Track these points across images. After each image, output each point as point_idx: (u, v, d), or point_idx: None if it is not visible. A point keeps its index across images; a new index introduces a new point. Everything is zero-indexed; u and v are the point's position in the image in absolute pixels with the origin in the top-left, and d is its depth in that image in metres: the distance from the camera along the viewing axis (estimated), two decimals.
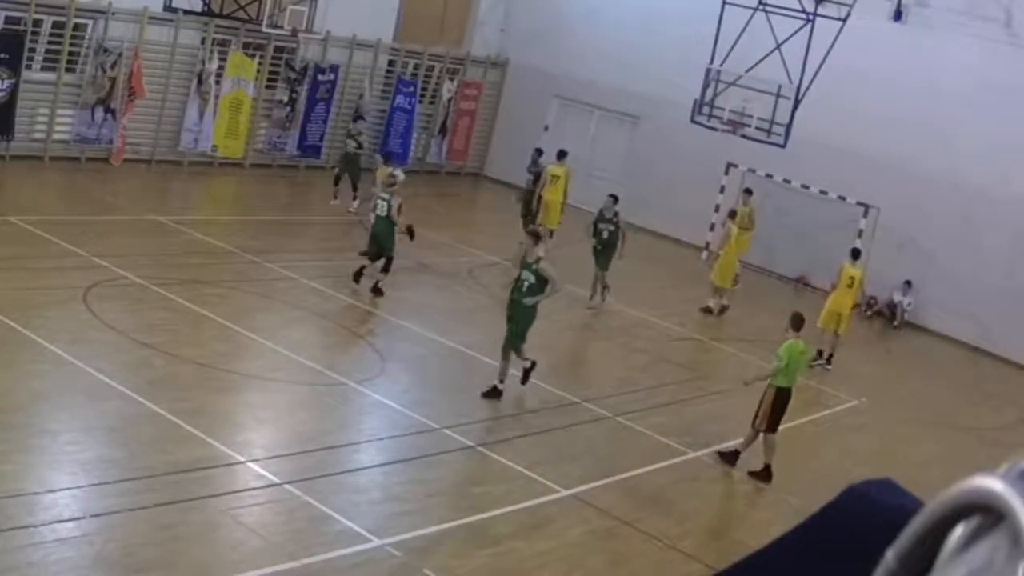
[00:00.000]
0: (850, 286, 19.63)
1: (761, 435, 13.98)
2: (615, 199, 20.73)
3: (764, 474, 14.00)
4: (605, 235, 20.40)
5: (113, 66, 22.88)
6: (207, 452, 11.53)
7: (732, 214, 21.87)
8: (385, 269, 18.09)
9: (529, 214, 22.63)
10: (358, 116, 26.39)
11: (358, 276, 18.13)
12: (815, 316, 23.54)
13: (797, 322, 14.16)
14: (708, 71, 23.19)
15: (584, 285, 20.71)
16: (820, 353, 19.42)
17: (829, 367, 19.54)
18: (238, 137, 25.40)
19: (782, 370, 13.75)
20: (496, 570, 10.52)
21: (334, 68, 26.69)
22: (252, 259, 18.83)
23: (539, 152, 24.63)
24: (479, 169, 30.78)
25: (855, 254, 20.43)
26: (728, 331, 20.72)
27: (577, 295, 20.93)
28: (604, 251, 20.32)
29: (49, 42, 22.44)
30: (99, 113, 23.05)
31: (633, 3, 28.01)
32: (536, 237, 15.21)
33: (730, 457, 14.20)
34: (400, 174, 19.56)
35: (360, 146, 24.93)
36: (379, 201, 18.29)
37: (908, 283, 24.26)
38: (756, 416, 13.98)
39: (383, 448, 12.89)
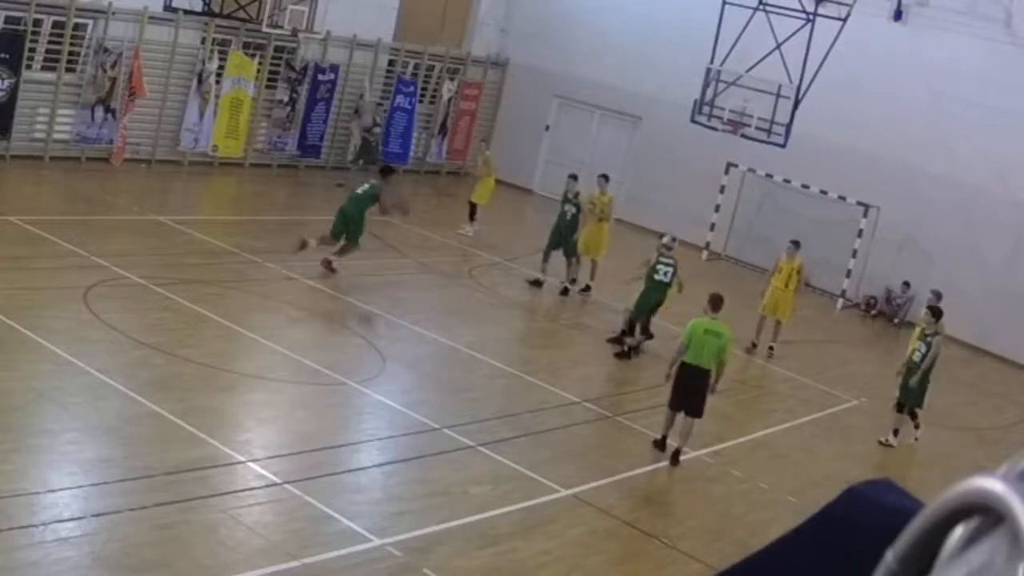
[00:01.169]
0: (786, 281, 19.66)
1: (683, 417, 13.92)
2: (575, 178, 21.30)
3: (663, 447, 14.02)
4: (568, 217, 20.74)
5: (113, 66, 22.88)
6: (207, 452, 11.53)
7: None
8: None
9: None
10: (366, 113, 26.86)
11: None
12: (813, 314, 23.61)
13: (714, 303, 14.18)
14: (708, 71, 23.20)
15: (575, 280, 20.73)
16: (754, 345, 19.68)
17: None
18: (238, 137, 25.40)
19: (688, 348, 13.73)
20: (496, 570, 10.52)
21: (334, 68, 26.70)
22: (252, 259, 18.83)
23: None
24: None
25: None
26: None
27: (576, 294, 20.93)
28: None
29: (49, 42, 22.44)
30: (99, 113, 23.05)
31: (633, 3, 28.01)
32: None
33: (658, 444, 14.15)
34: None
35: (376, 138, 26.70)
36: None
37: (907, 284, 24.26)
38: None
39: (383, 448, 12.90)
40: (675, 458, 13.95)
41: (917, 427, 16.60)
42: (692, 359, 13.75)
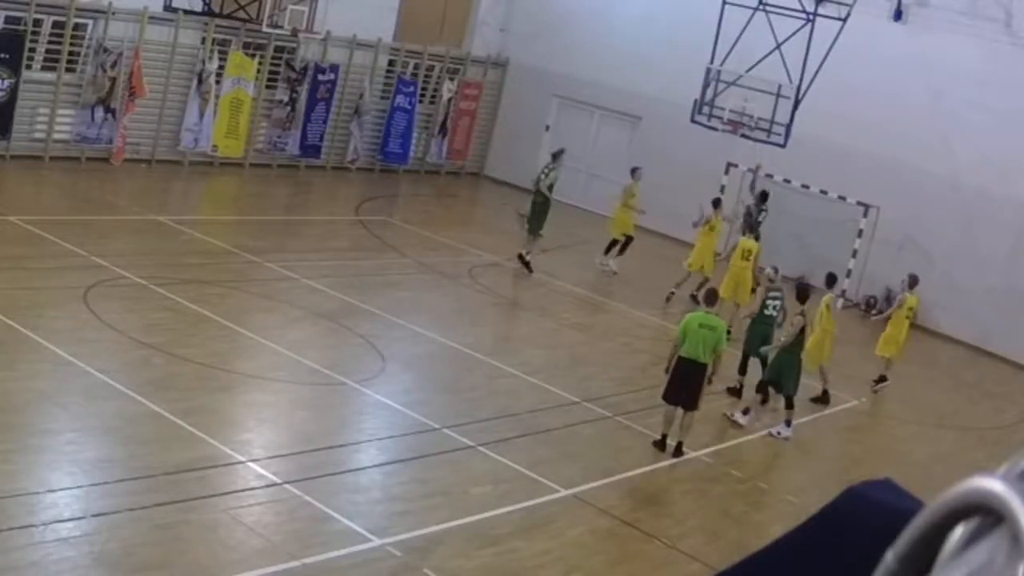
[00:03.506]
0: (746, 258, 20.09)
1: (681, 411, 14.07)
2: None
3: (663, 446, 14.13)
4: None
5: (113, 66, 22.87)
6: (207, 452, 11.53)
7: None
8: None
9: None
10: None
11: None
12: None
13: (708, 297, 14.68)
14: (708, 71, 23.19)
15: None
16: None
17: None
18: (238, 137, 25.40)
19: (684, 342, 13.94)
20: (496, 570, 10.52)
21: (334, 68, 26.69)
22: (252, 259, 18.83)
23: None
24: (479, 169, 30.77)
25: (753, 228, 21.21)
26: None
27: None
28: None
29: (49, 42, 22.44)
30: (99, 113, 23.04)
31: (633, 3, 28.00)
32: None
33: (658, 443, 14.22)
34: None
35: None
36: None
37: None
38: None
39: (383, 448, 12.90)
40: (678, 450, 14.12)
41: (788, 423, 15.60)
42: (688, 353, 13.92)
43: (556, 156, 22.14)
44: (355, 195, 25.95)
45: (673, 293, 21.40)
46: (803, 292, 16.08)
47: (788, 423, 15.63)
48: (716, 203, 22.39)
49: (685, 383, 13.94)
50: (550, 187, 21.60)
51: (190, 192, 24.63)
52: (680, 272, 21.60)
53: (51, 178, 22.18)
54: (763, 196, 22.75)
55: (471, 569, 10.43)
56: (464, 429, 13.55)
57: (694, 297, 20.60)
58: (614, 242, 22.70)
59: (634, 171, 23.27)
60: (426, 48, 28.59)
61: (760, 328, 16.80)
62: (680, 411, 14.07)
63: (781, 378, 15.61)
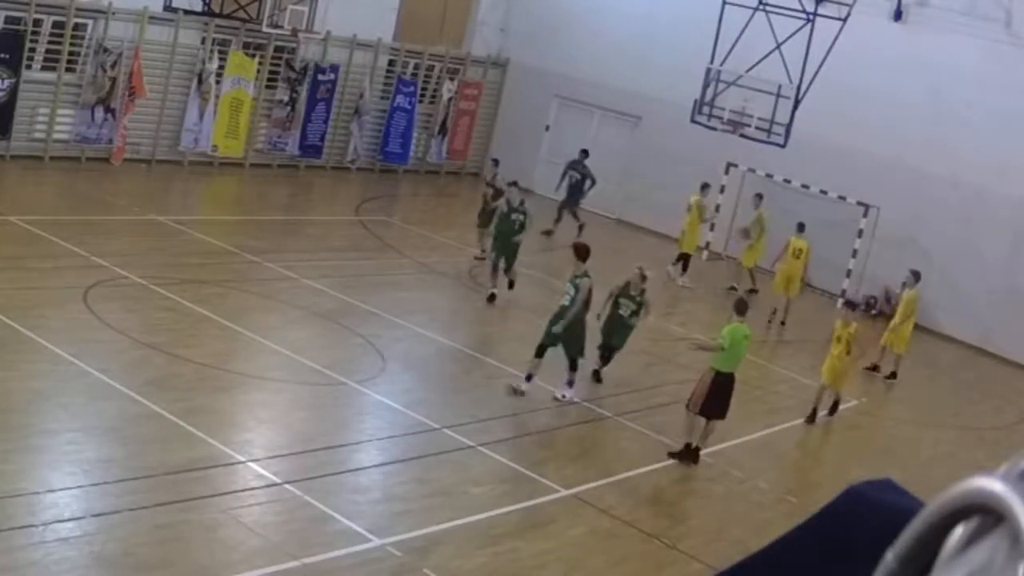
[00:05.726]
0: (797, 256, 22.03)
1: (704, 421, 13.94)
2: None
3: (689, 455, 13.91)
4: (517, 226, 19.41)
5: (113, 66, 22.88)
6: (207, 452, 11.53)
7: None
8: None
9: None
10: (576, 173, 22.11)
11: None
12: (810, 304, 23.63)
13: (740, 307, 14.38)
14: (708, 71, 23.20)
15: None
16: (775, 311, 21.89)
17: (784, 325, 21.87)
18: (238, 137, 25.40)
19: (724, 354, 13.77)
20: (496, 570, 10.52)
21: (334, 68, 26.69)
22: (252, 259, 18.83)
23: (495, 163, 23.24)
24: (479, 169, 30.73)
25: (800, 227, 22.41)
26: None
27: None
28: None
29: (49, 42, 22.44)
30: (99, 113, 23.04)
31: (633, 3, 28.00)
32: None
33: (683, 455, 13.96)
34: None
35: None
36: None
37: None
38: (691, 398, 13.97)
39: (383, 448, 12.90)
40: (696, 456, 14.00)
41: (571, 383, 15.34)
42: (727, 366, 13.83)
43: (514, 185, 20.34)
44: (355, 195, 25.95)
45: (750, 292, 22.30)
46: (581, 250, 15.70)
47: (571, 383, 15.35)
48: (759, 198, 23.74)
49: (721, 395, 13.87)
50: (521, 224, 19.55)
51: (190, 192, 24.62)
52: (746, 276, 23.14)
53: (51, 178, 22.18)
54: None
55: (471, 569, 10.43)
56: (464, 429, 13.55)
57: (734, 289, 21.99)
58: (686, 256, 23.34)
59: (704, 187, 23.83)
60: (426, 48, 28.59)
61: (629, 322, 16.62)
62: (703, 420, 13.99)
63: (571, 341, 15.26)
